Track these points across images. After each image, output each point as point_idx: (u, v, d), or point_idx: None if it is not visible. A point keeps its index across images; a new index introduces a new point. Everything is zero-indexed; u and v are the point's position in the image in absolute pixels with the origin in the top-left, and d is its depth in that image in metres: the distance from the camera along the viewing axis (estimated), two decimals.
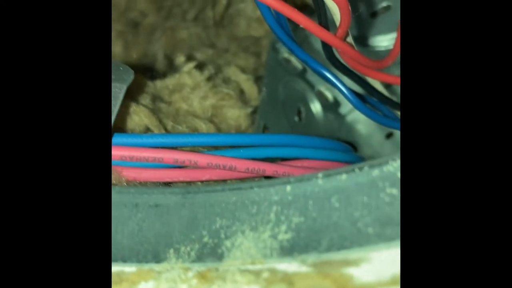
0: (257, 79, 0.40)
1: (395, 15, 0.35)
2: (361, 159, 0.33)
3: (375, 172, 0.21)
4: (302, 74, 0.37)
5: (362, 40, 0.35)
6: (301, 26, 0.26)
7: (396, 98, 0.32)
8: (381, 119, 0.31)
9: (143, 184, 0.26)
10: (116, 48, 0.44)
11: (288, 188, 0.22)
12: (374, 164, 0.21)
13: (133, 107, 0.29)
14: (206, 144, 0.27)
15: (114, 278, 0.22)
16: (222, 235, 0.22)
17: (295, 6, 0.26)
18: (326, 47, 0.29)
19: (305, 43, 0.36)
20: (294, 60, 0.37)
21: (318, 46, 0.35)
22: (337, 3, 0.26)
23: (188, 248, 0.22)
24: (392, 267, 0.20)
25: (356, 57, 0.29)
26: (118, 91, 0.25)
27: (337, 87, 0.30)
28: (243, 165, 0.26)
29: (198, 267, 0.21)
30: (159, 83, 0.34)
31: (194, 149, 0.28)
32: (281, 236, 0.21)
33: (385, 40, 0.35)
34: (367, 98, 0.32)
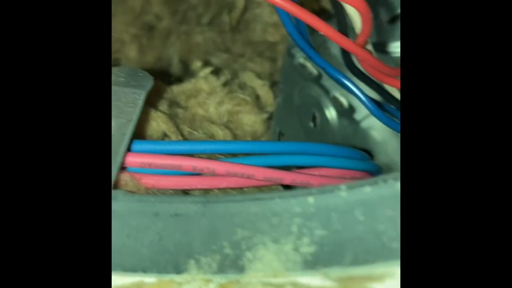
0: (273, 85, 0.40)
1: None
2: (378, 167, 0.32)
3: (400, 184, 0.21)
4: (317, 80, 0.36)
5: (380, 47, 0.34)
6: (320, 32, 0.26)
7: None
8: (399, 127, 0.31)
9: (161, 191, 0.26)
10: (131, 52, 0.44)
11: (311, 199, 0.21)
12: (398, 176, 0.21)
13: (152, 113, 0.29)
14: (224, 152, 0.27)
15: None
16: (243, 247, 0.21)
17: (312, 11, 0.26)
18: (346, 54, 0.29)
19: (322, 47, 0.36)
20: (309, 66, 0.37)
21: (335, 51, 0.35)
22: (359, 11, 0.26)
23: (209, 259, 0.21)
24: None
25: (375, 64, 0.29)
26: (138, 98, 0.25)
27: (355, 94, 0.30)
28: (262, 174, 0.26)
29: (220, 278, 0.21)
30: (175, 88, 0.34)
31: (211, 156, 0.27)
32: (303, 249, 0.21)
33: None
34: (384, 105, 0.31)
